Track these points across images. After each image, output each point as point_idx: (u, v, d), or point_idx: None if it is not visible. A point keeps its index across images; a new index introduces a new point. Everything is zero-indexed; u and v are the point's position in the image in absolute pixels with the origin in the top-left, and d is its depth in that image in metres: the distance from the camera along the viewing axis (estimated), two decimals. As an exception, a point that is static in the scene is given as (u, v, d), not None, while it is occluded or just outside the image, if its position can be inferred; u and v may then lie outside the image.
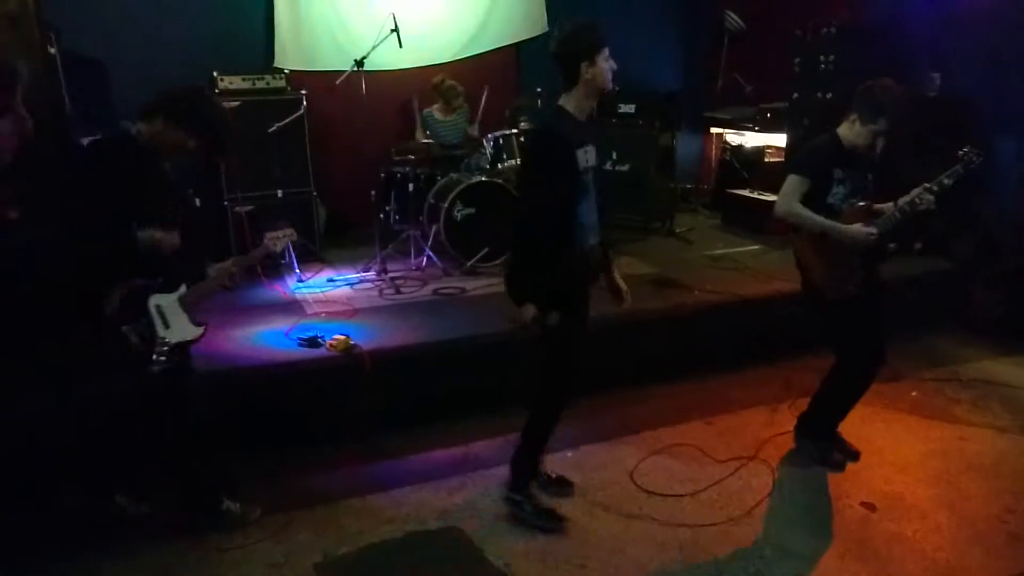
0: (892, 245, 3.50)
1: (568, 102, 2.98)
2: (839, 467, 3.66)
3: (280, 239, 3.33)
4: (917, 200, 3.35)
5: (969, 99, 5.54)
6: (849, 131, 3.38)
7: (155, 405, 3.02)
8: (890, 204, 3.42)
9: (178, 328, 2.98)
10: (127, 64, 5.28)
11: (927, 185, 3.33)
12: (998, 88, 5.38)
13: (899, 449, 3.83)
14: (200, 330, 3.06)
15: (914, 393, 4.44)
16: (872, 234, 3.33)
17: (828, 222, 3.36)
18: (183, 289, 3.02)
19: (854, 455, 3.72)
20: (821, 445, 3.74)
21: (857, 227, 3.34)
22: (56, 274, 3.11)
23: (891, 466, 3.67)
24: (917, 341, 5.09)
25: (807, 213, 3.37)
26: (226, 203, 5.46)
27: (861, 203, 3.40)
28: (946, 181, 3.31)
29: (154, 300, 2.94)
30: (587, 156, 2.97)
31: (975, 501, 3.38)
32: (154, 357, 2.87)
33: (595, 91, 2.97)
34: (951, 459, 3.73)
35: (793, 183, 3.42)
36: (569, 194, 2.95)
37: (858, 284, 3.41)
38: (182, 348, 3.02)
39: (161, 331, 2.92)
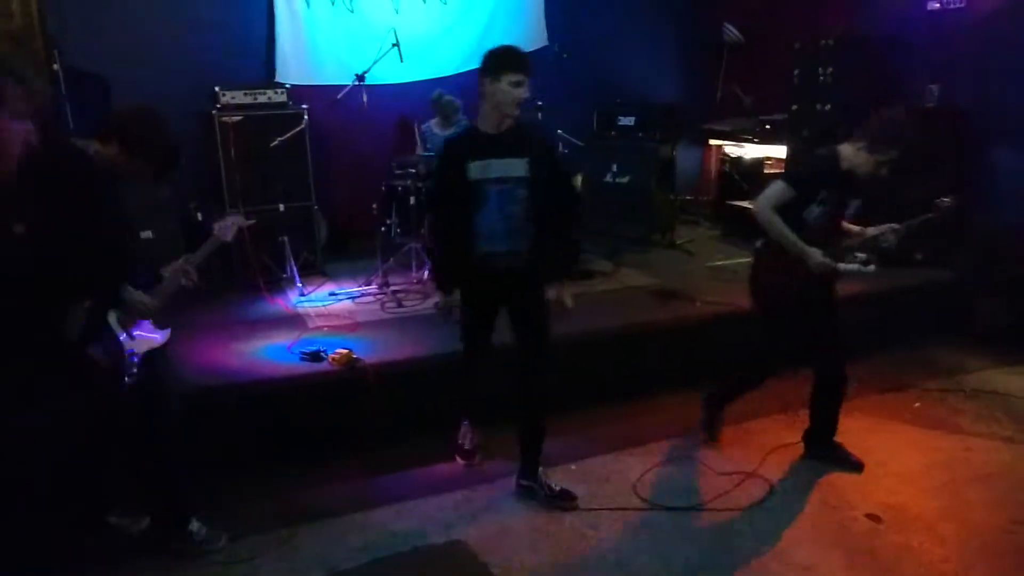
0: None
1: (479, 117, 3.30)
2: (858, 468, 3.69)
3: (229, 227, 3.22)
4: (881, 239, 3.45)
5: (967, 110, 5.57)
6: (854, 154, 3.38)
7: (129, 421, 2.98)
8: (858, 228, 3.50)
9: (142, 337, 2.94)
10: (129, 79, 5.29)
11: (895, 226, 3.44)
12: (995, 99, 5.40)
13: (903, 460, 3.82)
14: (165, 334, 3.02)
15: (917, 404, 4.44)
16: (827, 266, 3.40)
17: (793, 238, 3.40)
18: (129, 290, 2.93)
19: (857, 465, 3.71)
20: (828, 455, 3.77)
21: (816, 252, 3.39)
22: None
23: (895, 477, 3.66)
24: (920, 351, 5.09)
25: (779, 223, 3.42)
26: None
27: (835, 223, 3.49)
28: (915, 225, 3.41)
29: (114, 314, 2.90)
30: (480, 169, 3.21)
31: (981, 512, 3.37)
32: (123, 372, 2.85)
33: (497, 107, 3.19)
34: (956, 470, 3.72)
35: (777, 190, 3.45)
36: (459, 201, 3.26)
37: (804, 302, 3.49)
38: (151, 355, 2.97)
39: (128, 344, 2.89)
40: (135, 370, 2.86)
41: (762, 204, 3.46)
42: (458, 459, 3.83)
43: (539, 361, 3.48)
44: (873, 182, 3.47)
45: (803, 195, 3.41)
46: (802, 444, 3.86)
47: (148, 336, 2.98)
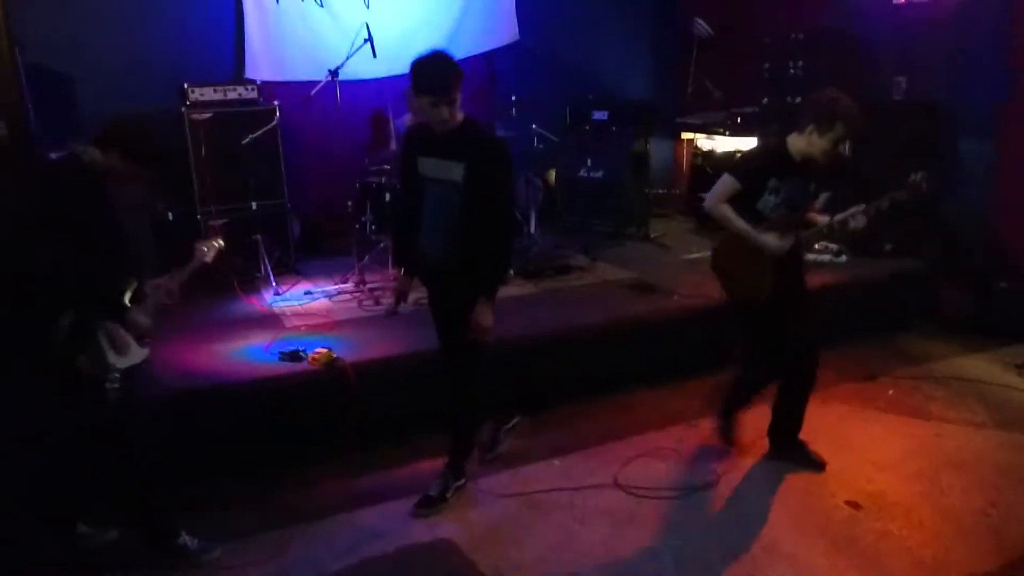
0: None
1: None
2: (821, 468, 3.67)
3: (211, 248, 3.29)
4: (850, 220, 3.39)
5: (934, 103, 5.67)
6: (804, 141, 3.36)
7: (105, 434, 2.95)
8: (826, 218, 3.47)
9: (126, 352, 2.91)
10: (94, 77, 5.19)
11: (863, 207, 3.38)
12: (962, 92, 5.51)
13: (879, 447, 3.90)
14: (145, 351, 3.00)
15: (890, 392, 4.52)
16: (782, 247, 3.39)
17: (745, 225, 3.41)
18: (134, 311, 2.93)
19: (819, 465, 3.68)
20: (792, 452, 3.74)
21: (771, 237, 3.39)
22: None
23: (872, 464, 3.73)
24: (891, 341, 5.19)
25: (730, 214, 3.43)
26: (199, 216, 5.38)
27: (794, 213, 3.46)
28: (884, 205, 3.34)
29: (102, 328, 2.86)
30: (425, 166, 3.26)
31: (956, 496, 3.45)
32: (107, 385, 2.82)
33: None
34: (930, 456, 3.80)
35: (725, 183, 3.47)
36: (412, 193, 3.34)
37: (767, 292, 3.46)
38: (131, 372, 2.94)
39: (111, 358, 2.86)
40: (116, 385, 2.84)
41: (712, 199, 3.49)
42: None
43: (462, 371, 3.44)
44: (840, 171, 3.48)
45: (751, 186, 3.42)
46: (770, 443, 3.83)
47: (132, 352, 2.94)
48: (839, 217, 3.44)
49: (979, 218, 5.50)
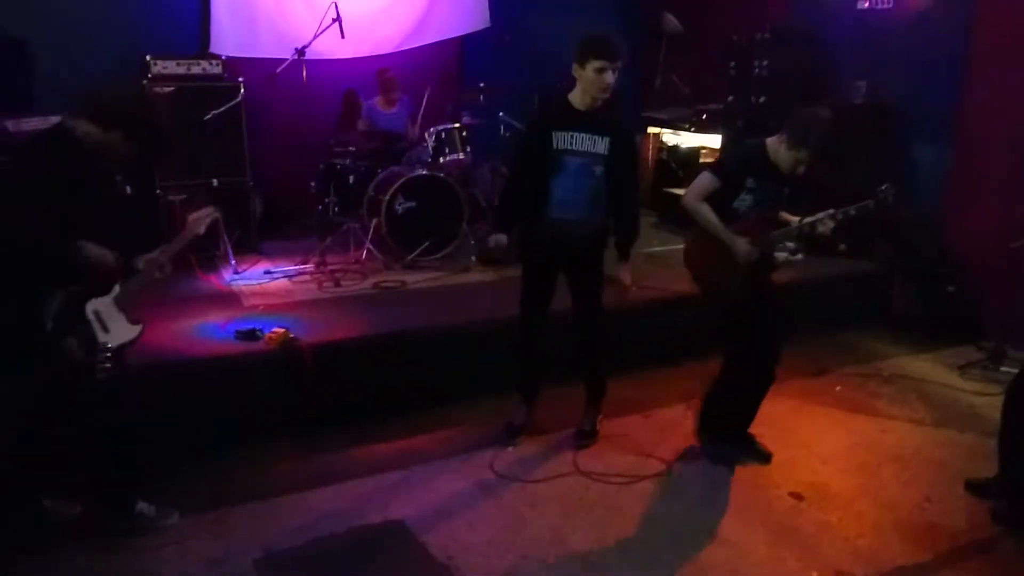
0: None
1: (572, 93, 3.52)
2: (731, 466, 3.72)
3: (203, 219, 3.17)
4: (819, 224, 3.43)
5: (891, 107, 5.80)
6: (777, 147, 3.44)
7: (85, 409, 2.92)
8: (796, 219, 3.51)
9: (117, 330, 2.89)
10: (53, 45, 5.07)
11: (833, 212, 3.41)
12: (920, 97, 5.64)
13: (824, 441, 4.00)
14: (138, 328, 2.97)
15: (838, 388, 4.64)
16: (751, 254, 3.45)
17: (720, 226, 3.46)
18: (116, 289, 2.91)
19: (765, 456, 3.76)
20: (720, 446, 3.79)
21: (742, 242, 3.44)
22: None
23: (817, 457, 3.83)
24: (842, 338, 5.33)
25: (707, 211, 3.48)
26: (159, 191, 5.30)
27: (769, 213, 3.51)
28: (852, 212, 3.39)
29: (91, 306, 2.84)
30: (568, 140, 3.48)
31: (895, 490, 3.56)
32: (98, 365, 2.78)
33: (586, 91, 3.44)
34: (873, 450, 3.92)
35: (704, 180, 3.52)
36: (538, 167, 3.53)
37: (737, 290, 3.52)
38: (121, 350, 2.92)
39: (102, 336, 2.83)
40: (108, 364, 2.80)
41: (690, 195, 3.54)
42: (505, 435, 3.91)
43: (594, 325, 3.81)
44: (800, 177, 3.54)
45: (730, 184, 3.48)
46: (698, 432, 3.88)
47: (123, 330, 2.91)
48: (807, 220, 3.48)
49: (931, 221, 5.64)
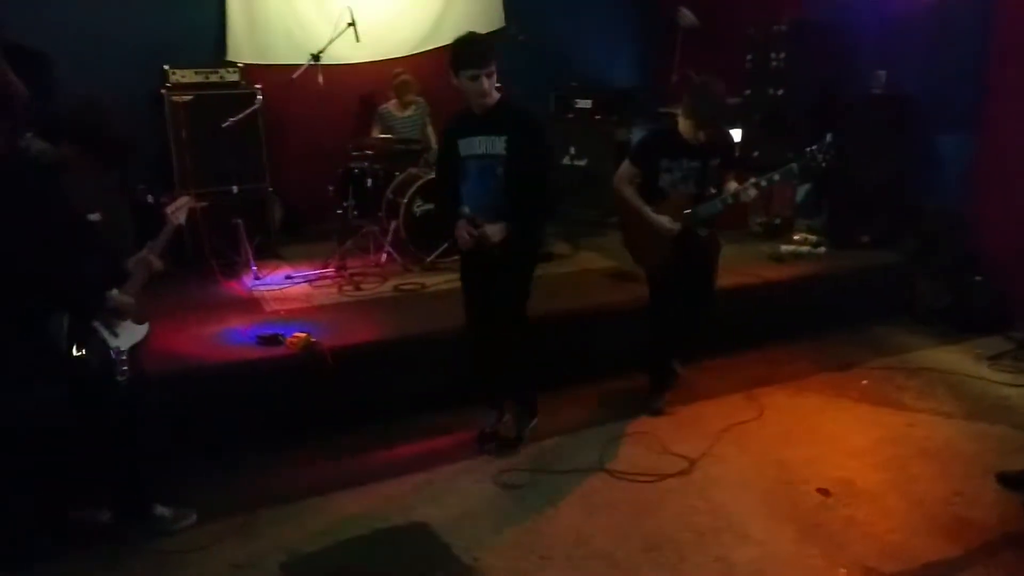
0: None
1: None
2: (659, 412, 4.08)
3: (181, 208, 3.25)
4: (741, 193, 3.71)
5: (913, 97, 5.72)
6: (680, 124, 3.75)
7: (106, 415, 2.95)
8: (723, 192, 3.81)
9: (125, 333, 2.94)
10: (74, 56, 5.13)
11: (755, 180, 3.67)
12: (942, 86, 5.55)
13: (851, 436, 3.95)
14: (146, 327, 3.02)
15: (864, 382, 4.58)
16: (672, 230, 3.80)
17: (640, 205, 3.85)
18: (115, 293, 2.94)
19: (656, 411, 4.10)
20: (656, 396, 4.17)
21: (663, 218, 3.80)
22: None
23: (843, 453, 3.78)
24: (866, 332, 5.25)
25: (628, 193, 3.90)
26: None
27: (692, 188, 3.83)
28: (776, 178, 3.63)
29: (108, 302, 2.87)
30: (468, 145, 3.49)
31: (924, 485, 3.51)
32: (116, 369, 2.84)
33: (469, 97, 3.43)
34: (900, 445, 3.86)
35: (624, 166, 3.95)
36: (452, 174, 3.57)
37: (661, 260, 3.89)
38: (134, 351, 2.97)
39: (112, 342, 2.88)
40: (125, 368, 2.87)
41: (616, 180, 3.96)
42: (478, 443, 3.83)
43: (510, 335, 3.69)
44: (723, 148, 3.83)
45: (644, 166, 3.85)
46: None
47: (130, 332, 2.97)
48: (728, 191, 3.77)
49: (956, 211, 5.55)
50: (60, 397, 2.94)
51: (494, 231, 3.45)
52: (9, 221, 2.68)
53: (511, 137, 3.43)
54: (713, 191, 3.85)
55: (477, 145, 3.47)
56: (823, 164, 3.46)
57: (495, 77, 3.39)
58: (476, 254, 3.57)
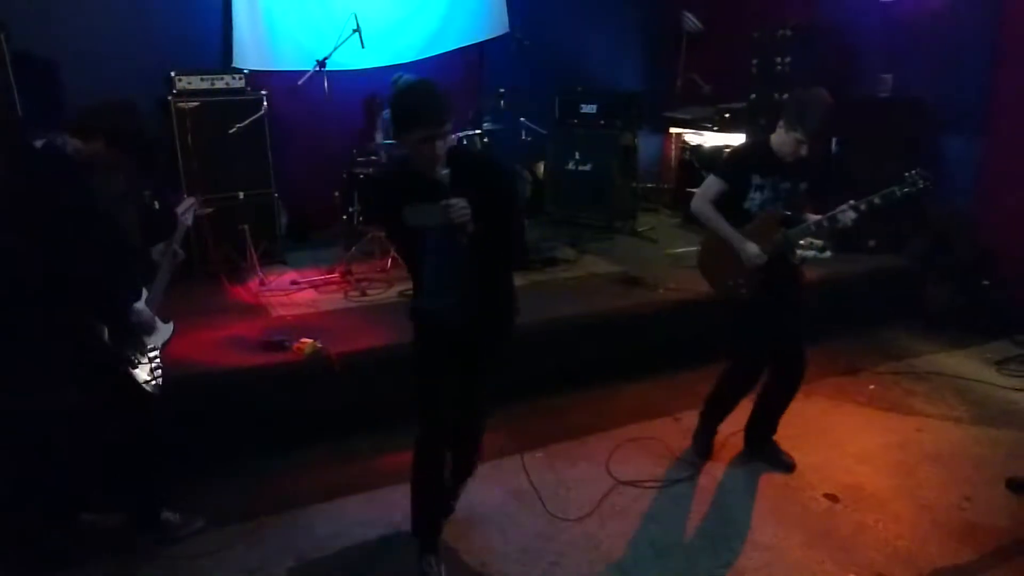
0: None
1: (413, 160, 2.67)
2: (789, 468, 3.66)
3: (189, 210, 3.26)
4: (838, 217, 3.34)
5: (920, 100, 5.70)
6: (777, 137, 3.36)
7: (129, 420, 2.97)
8: (817, 216, 3.42)
9: (156, 331, 2.99)
10: (80, 64, 5.15)
11: (853, 203, 3.32)
12: (949, 89, 5.54)
13: (859, 441, 3.94)
14: (172, 326, 3.08)
15: (872, 386, 4.57)
16: (759, 257, 3.37)
17: (730, 230, 3.41)
18: (145, 292, 2.98)
19: (788, 466, 3.66)
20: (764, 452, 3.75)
21: (750, 245, 3.38)
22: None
23: (852, 457, 3.77)
24: (874, 336, 5.24)
25: (714, 214, 3.44)
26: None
27: (782, 211, 3.42)
28: (876, 201, 3.28)
29: (132, 316, 2.91)
30: (414, 216, 2.59)
31: (933, 490, 3.49)
32: (155, 369, 2.91)
33: (417, 163, 2.63)
34: (909, 450, 3.85)
35: (709, 183, 3.48)
36: (406, 252, 2.91)
37: (748, 290, 3.46)
38: (163, 349, 3.04)
39: (148, 341, 2.91)
40: (161, 370, 2.95)
41: (697, 199, 3.49)
42: None
43: (474, 442, 3.20)
44: (816, 170, 3.47)
45: (735, 185, 3.41)
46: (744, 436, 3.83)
47: (160, 330, 3.05)
48: (826, 216, 3.38)
49: (964, 215, 5.54)
50: (92, 402, 2.95)
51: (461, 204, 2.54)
52: (41, 220, 2.71)
53: (474, 195, 2.56)
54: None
55: (427, 214, 2.58)
56: (921, 188, 3.29)
57: (448, 137, 2.59)
58: (439, 342, 2.86)
